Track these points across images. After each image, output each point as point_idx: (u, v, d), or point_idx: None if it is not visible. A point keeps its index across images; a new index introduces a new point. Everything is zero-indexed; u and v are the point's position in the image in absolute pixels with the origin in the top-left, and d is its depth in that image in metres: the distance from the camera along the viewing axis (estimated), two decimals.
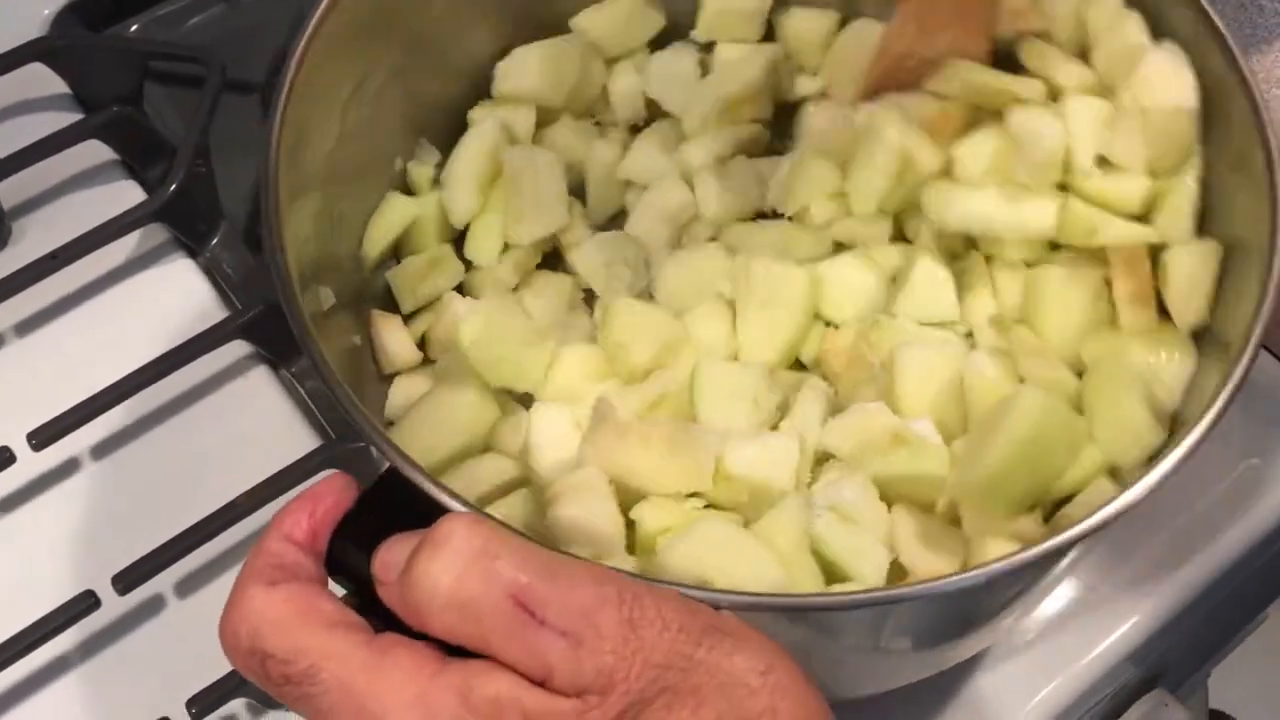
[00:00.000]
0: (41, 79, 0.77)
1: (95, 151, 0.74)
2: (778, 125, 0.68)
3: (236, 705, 0.58)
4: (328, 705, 0.36)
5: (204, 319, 0.68)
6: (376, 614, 0.38)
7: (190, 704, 0.56)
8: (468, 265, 0.64)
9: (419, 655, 0.36)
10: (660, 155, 0.65)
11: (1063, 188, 0.59)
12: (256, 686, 0.55)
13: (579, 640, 0.35)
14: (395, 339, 0.61)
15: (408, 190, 0.65)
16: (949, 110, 0.61)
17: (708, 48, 0.69)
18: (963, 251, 0.61)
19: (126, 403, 0.64)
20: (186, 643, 0.59)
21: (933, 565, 0.52)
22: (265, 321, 0.67)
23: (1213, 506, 0.64)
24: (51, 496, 0.64)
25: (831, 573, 0.52)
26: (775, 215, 0.64)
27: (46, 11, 0.79)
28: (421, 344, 0.62)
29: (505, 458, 0.57)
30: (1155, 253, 0.57)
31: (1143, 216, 0.58)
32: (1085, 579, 0.63)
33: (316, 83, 0.55)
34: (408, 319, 0.63)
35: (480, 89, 0.67)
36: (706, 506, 0.53)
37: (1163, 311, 0.57)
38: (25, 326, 0.69)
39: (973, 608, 0.52)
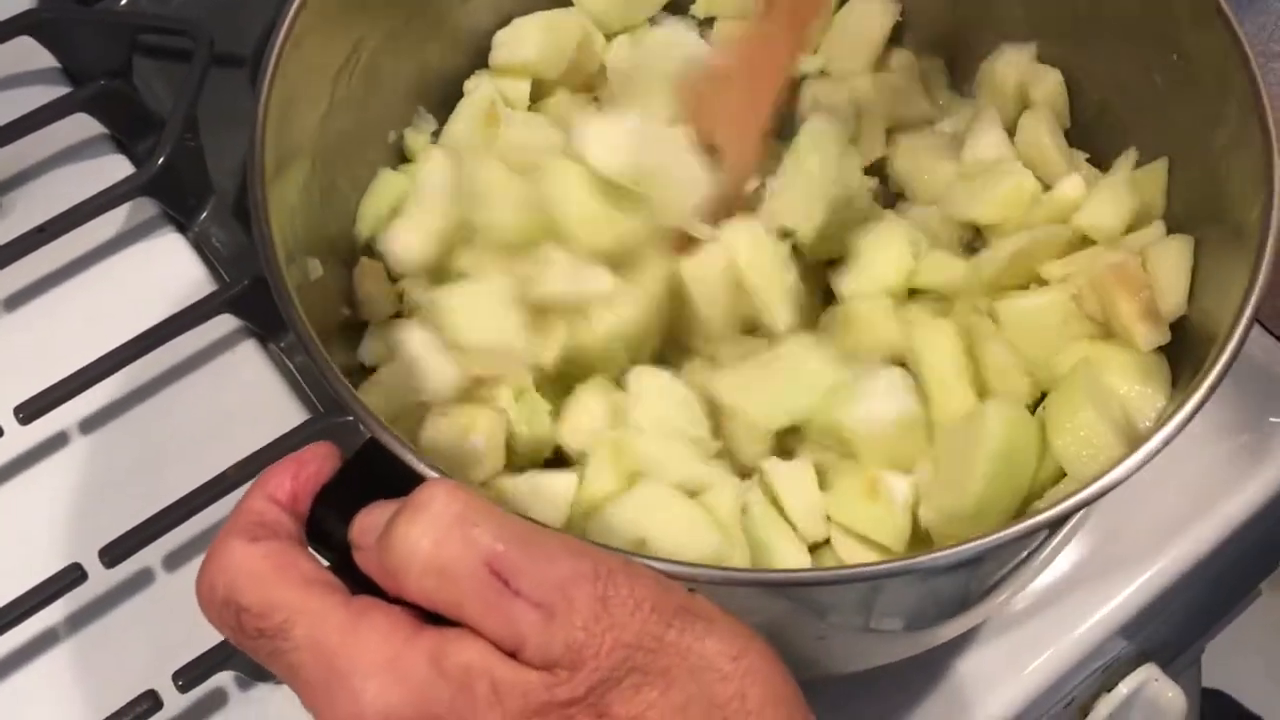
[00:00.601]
0: (30, 52, 0.76)
1: (83, 125, 0.74)
2: None
3: (223, 678, 0.58)
4: (298, 661, 0.36)
5: (192, 293, 0.67)
6: (355, 582, 0.38)
7: (176, 676, 0.55)
8: None
9: (394, 618, 0.36)
10: None
11: None
12: (243, 657, 0.55)
13: (551, 613, 0.35)
14: (376, 285, 0.60)
15: (404, 160, 0.64)
16: None
17: (707, 23, 0.68)
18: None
19: (114, 376, 0.64)
20: (174, 616, 0.59)
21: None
22: (253, 296, 0.67)
23: (1206, 481, 0.64)
24: (39, 470, 0.63)
25: (758, 552, 0.52)
26: None
27: None
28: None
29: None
30: None
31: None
32: (1076, 553, 0.62)
33: (307, 49, 0.54)
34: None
35: (481, 60, 0.66)
36: None
37: None
38: (13, 301, 0.69)
39: (964, 584, 0.52)
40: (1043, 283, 0.58)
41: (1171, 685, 0.66)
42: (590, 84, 0.68)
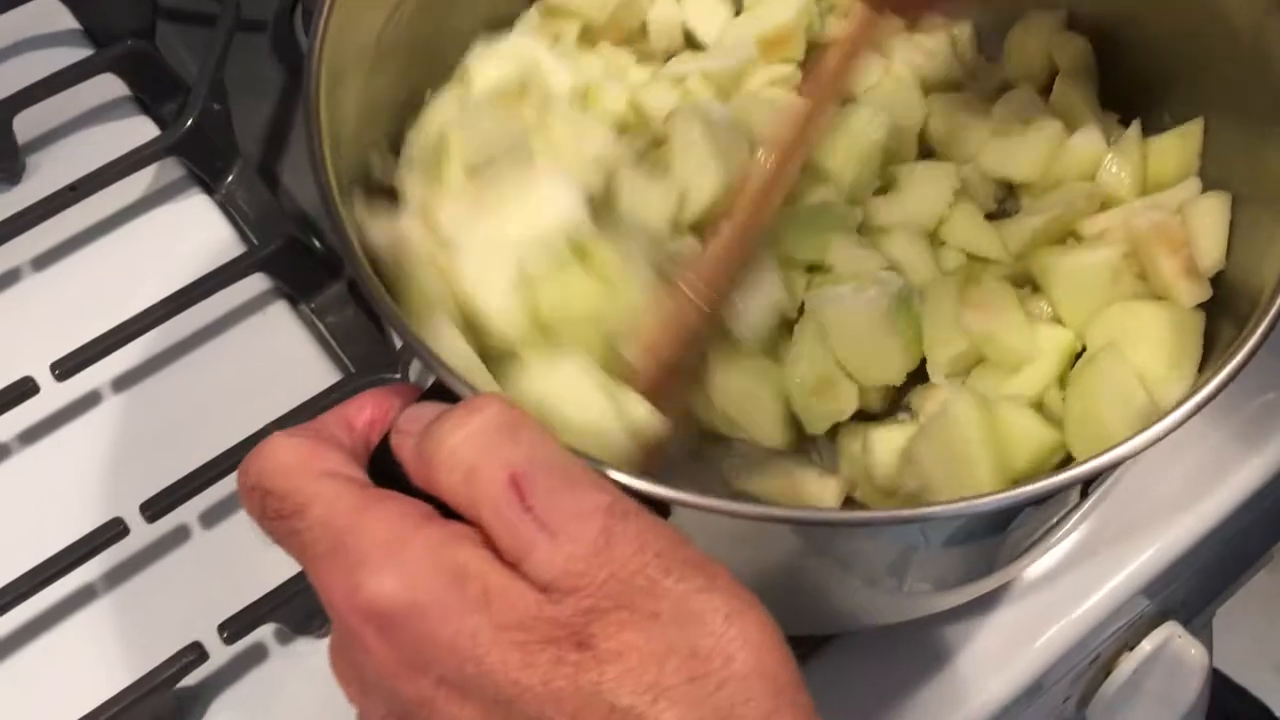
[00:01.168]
0: (52, 13, 0.76)
1: (109, 86, 0.73)
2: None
3: (264, 632, 0.58)
4: (311, 539, 0.37)
5: (222, 254, 0.67)
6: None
7: (222, 628, 0.56)
8: None
9: (406, 507, 0.37)
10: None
11: None
12: (287, 609, 0.56)
13: (554, 536, 0.35)
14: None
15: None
16: None
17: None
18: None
19: (146, 336, 0.64)
20: (214, 570, 0.60)
21: None
22: (284, 256, 0.67)
23: (1229, 439, 0.65)
24: (76, 427, 0.63)
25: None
26: None
27: None
28: None
29: None
30: None
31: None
32: (1101, 514, 0.63)
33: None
34: None
35: None
36: None
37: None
38: (43, 260, 0.68)
39: (995, 545, 0.53)
40: (1078, 239, 0.58)
41: (1194, 642, 0.67)
42: (631, 39, 0.67)
